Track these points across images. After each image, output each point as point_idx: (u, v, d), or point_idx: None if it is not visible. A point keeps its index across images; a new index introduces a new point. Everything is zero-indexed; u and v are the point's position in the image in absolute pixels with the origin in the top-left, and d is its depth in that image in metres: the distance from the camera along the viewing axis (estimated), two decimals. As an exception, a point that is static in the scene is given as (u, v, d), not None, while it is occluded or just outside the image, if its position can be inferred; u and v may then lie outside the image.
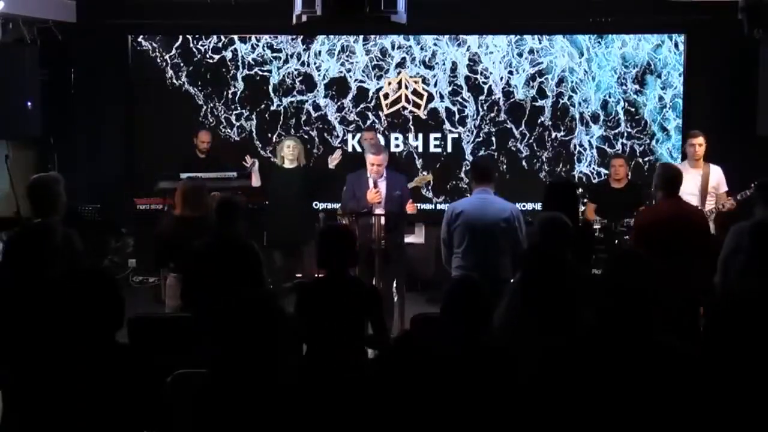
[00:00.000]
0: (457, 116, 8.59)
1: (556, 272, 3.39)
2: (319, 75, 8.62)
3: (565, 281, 3.32)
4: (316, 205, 8.15)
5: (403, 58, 8.57)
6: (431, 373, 2.82)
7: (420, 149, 8.68)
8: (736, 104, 7.86)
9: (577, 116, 8.53)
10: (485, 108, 8.56)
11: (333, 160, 7.68)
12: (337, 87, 8.64)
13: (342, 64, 8.61)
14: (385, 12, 5.07)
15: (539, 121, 8.54)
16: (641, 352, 2.54)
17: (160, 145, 8.58)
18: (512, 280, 4.29)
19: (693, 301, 4.92)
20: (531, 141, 8.58)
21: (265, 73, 8.64)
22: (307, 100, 8.66)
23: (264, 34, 8.59)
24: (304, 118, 8.66)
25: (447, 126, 8.61)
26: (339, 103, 8.64)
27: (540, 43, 8.48)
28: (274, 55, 8.62)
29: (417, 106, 8.65)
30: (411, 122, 8.66)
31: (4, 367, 3.22)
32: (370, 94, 8.62)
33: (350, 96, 8.63)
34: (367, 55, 8.59)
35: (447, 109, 8.59)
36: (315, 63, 8.61)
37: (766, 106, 7.11)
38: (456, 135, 8.61)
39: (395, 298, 6.56)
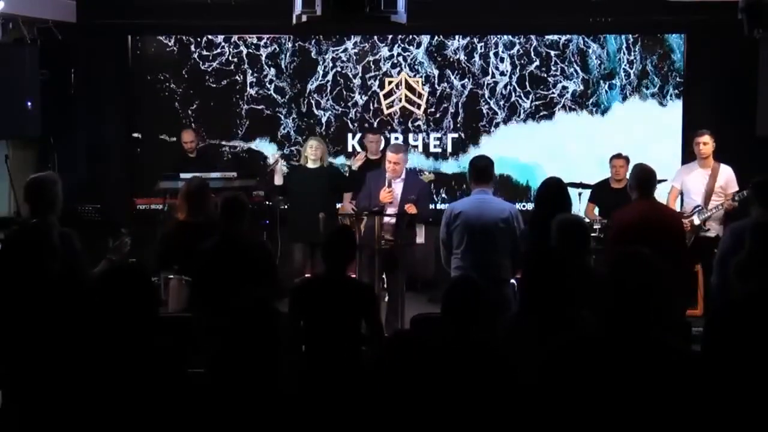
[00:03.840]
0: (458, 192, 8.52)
1: (557, 272, 3.38)
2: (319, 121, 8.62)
3: (565, 281, 3.31)
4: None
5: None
6: (429, 371, 2.81)
7: (420, 149, 8.67)
8: (736, 104, 7.84)
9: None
10: None
11: (356, 162, 7.70)
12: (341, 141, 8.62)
13: (339, 111, 8.60)
14: (385, 12, 5.08)
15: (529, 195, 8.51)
16: (642, 351, 2.53)
17: (160, 145, 8.58)
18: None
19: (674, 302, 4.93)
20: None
21: (275, 115, 8.63)
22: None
23: (264, 34, 8.58)
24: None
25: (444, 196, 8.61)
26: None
27: (548, 73, 8.47)
28: (281, 100, 8.60)
29: (418, 106, 8.65)
30: (411, 122, 8.66)
31: (3, 366, 3.22)
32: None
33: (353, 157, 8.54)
34: (366, 94, 8.56)
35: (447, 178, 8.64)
36: (316, 114, 8.58)
37: (766, 106, 7.09)
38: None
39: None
